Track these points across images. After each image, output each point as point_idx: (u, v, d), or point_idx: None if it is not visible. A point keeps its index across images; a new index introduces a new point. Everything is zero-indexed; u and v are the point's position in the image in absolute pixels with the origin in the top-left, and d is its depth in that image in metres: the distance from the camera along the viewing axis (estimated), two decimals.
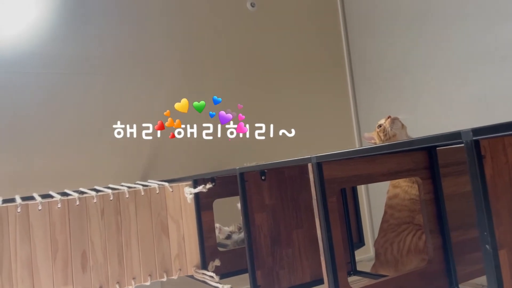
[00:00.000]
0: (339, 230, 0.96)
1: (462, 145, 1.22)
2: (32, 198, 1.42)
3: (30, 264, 1.30)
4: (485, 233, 0.64)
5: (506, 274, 0.66)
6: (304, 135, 2.45)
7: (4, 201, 1.37)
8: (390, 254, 1.26)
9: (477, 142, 0.66)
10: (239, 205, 1.81)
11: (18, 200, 1.35)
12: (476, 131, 0.65)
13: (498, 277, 0.65)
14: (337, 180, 0.99)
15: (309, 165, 0.99)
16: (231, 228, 1.86)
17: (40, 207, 1.33)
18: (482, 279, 1.29)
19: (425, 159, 1.13)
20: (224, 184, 1.60)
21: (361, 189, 2.48)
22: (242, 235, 1.80)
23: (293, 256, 1.32)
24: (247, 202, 1.28)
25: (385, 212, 1.32)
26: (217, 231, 1.70)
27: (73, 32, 1.98)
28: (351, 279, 1.38)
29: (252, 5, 2.41)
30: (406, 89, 2.31)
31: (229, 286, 1.36)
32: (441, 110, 2.12)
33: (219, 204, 1.70)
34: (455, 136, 0.68)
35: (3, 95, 1.81)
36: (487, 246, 0.64)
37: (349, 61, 2.64)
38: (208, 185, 1.50)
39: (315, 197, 0.98)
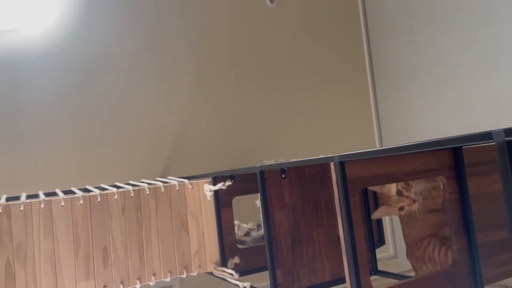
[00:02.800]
0: (361, 230, 0.94)
1: (490, 143, 1.19)
2: (55, 194, 1.45)
3: (53, 259, 1.32)
4: None
5: None
6: (324, 133, 2.43)
7: (28, 197, 1.39)
8: (427, 269, 1.22)
9: (509, 143, 0.63)
10: (257, 202, 1.81)
11: (42, 196, 1.37)
12: (508, 131, 0.63)
13: None
14: (360, 180, 0.98)
15: (332, 164, 0.98)
16: (250, 225, 1.86)
17: (63, 203, 1.35)
18: (507, 281, 1.26)
19: (450, 158, 1.11)
20: (244, 181, 1.60)
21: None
22: (261, 232, 1.80)
23: (313, 255, 1.31)
24: (267, 200, 1.27)
25: (402, 228, 1.28)
26: (236, 228, 1.70)
27: (94, 30, 2.00)
28: (372, 278, 1.36)
29: (272, 1, 2.40)
30: (428, 87, 2.26)
31: (248, 284, 1.36)
32: (465, 108, 2.07)
33: (238, 201, 1.69)
34: (486, 136, 0.66)
35: (27, 92, 1.84)
36: None
37: (370, 59, 2.60)
38: (228, 183, 1.50)
39: (337, 197, 0.97)
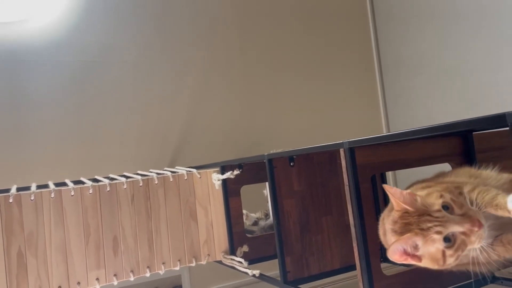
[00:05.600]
0: (371, 217, 0.94)
1: (499, 129, 1.18)
2: (64, 184, 1.45)
3: (64, 248, 1.34)
4: None
5: None
6: (331, 123, 2.42)
7: (38, 187, 1.40)
8: None
9: None
10: (265, 191, 1.82)
11: (52, 186, 1.39)
12: None
13: None
14: (370, 166, 0.97)
15: (341, 151, 0.98)
16: (258, 215, 1.86)
17: (72, 193, 1.36)
18: None
19: (460, 144, 1.10)
20: (252, 170, 1.60)
21: (389, 175, 2.44)
22: (269, 221, 1.80)
23: (322, 242, 1.31)
24: (275, 188, 1.27)
25: None
26: (244, 218, 1.70)
27: (101, 21, 2.00)
28: (382, 266, 1.36)
29: None
30: (435, 76, 2.24)
31: (258, 271, 1.37)
32: (472, 97, 2.05)
33: (246, 191, 1.70)
34: (499, 119, 0.65)
35: (36, 84, 1.85)
36: None
37: (377, 48, 2.57)
38: (236, 172, 1.50)
39: (347, 183, 0.96)
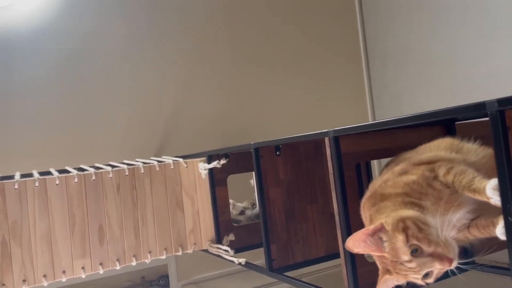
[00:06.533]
0: (356, 204, 0.95)
1: (481, 119, 1.20)
2: (49, 173, 1.44)
3: (49, 237, 1.33)
4: (508, 205, 0.63)
5: None
6: (318, 114, 2.44)
7: (22, 176, 1.39)
8: None
9: (502, 113, 0.64)
10: (252, 181, 1.82)
11: (36, 175, 1.37)
12: (502, 101, 0.64)
13: None
14: (355, 154, 0.99)
15: (326, 139, 0.99)
16: (245, 204, 1.87)
17: (57, 182, 1.35)
18: (496, 256, 1.28)
19: (443, 133, 1.12)
20: (238, 160, 1.61)
21: (374, 164, 2.46)
22: (255, 211, 1.81)
23: (307, 231, 1.32)
24: (262, 177, 1.28)
25: None
26: (230, 207, 1.71)
27: (88, 8, 1.96)
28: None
29: None
30: (421, 67, 2.26)
31: (243, 259, 1.38)
32: (458, 88, 2.08)
33: (233, 181, 1.70)
34: (480, 107, 0.66)
35: (18, 70, 1.81)
36: (509, 218, 0.63)
37: (364, 40, 2.59)
38: (222, 161, 1.50)
39: (331, 171, 0.97)
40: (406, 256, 0.70)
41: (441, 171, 0.76)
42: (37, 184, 1.32)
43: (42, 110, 1.84)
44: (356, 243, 0.74)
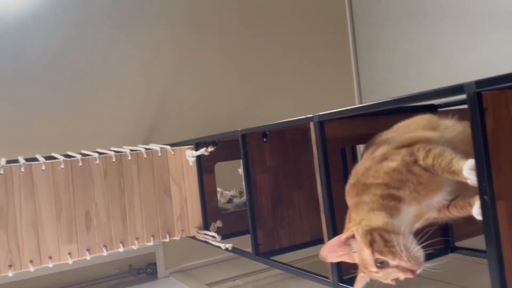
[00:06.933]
0: (340, 188, 0.97)
1: (462, 107, 1.22)
2: (35, 159, 1.43)
3: (35, 222, 1.33)
4: (484, 184, 0.65)
5: (504, 225, 0.67)
6: (306, 101, 2.45)
7: (8, 161, 1.38)
8: None
9: (479, 95, 0.66)
10: (240, 170, 1.83)
11: (22, 161, 1.36)
12: (479, 83, 0.65)
13: (495, 228, 0.66)
14: (339, 139, 1.00)
15: (311, 124, 1.00)
16: (233, 192, 1.88)
17: (43, 167, 1.35)
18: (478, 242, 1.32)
19: None
20: (226, 147, 1.62)
21: (360, 148, 2.49)
22: (243, 199, 1.83)
23: (293, 216, 1.34)
24: (249, 163, 1.29)
25: None
26: (218, 195, 1.72)
27: None
28: None
29: None
30: (409, 56, 2.29)
31: (230, 245, 1.39)
32: (446, 78, 2.11)
33: (220, 169, 1.71)
34: (458, 88, 0.68)
35: (4, 58, 1.79)
36: (485, 197, 0.65)
37: (352, 27, 2.60)
38: (210, 148, 1.51)
39: (316, 156, 0.99)
40: (372, 268, 0.74)
41: (420, 155, 0.78)
42: (23, 169, 1.32)
43: (27, 97, 1.82)
44: (329, 253, 0.78)
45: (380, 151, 0.85)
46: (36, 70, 1.85)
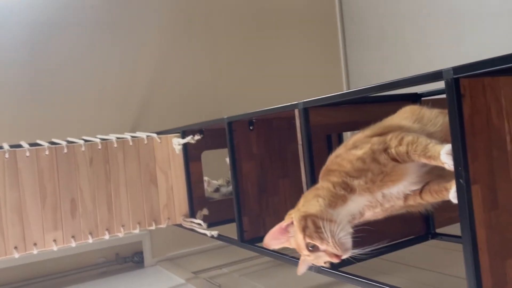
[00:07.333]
0: None
1: (444, 96, 1.24)
2: (19, 146, 1.42)
3: (19, 209, 1.32)
4: (460, 168, 0.67)
5: (478, 208, 0.69)
6: (294, 91, 2.45)
7: None
8: None
9: (457, 81, 0.67)
10: (227, 159, 1.84)
11: (6, 147, 1.35)
12: (457, 69, 0.66)
13: (470, 211, 0.68)
14: (324, 126, 1.01)
15: (296, 111, 1.01)
16: (220, 182, 1.89)
17: (28, 154, 1.34)
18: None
19: None
20: (213, 136, 1.62)
21: (348, 136, 2.51)
22: (230, 188, 1.83)
23: (279, 203, 1.35)
24: (235, 151, 1.30)
25: None
26: (205, 184, 1.73)
27: None
28: None
29: None
30: (397, 48, 2.30)
31: (216, 232, 1.41)
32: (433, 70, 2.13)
33: (208, 158, 1.72)
34: (438, 75, 0.69)
35: None
36: (460, 181, 0.67)
37: (341, 18, 2.61)
38: (197, 137, 1.51)
39: (300, 143, 1.00)
40: (305, 251, 0.79)
41: (392, 143, 0.79)
42: (7, 155, 1.31)
43: (11, 83, 1.80)
44: (272, 241, 0.83)
45: (353, 139, 0.87)
46: (20, 56, 1.83)
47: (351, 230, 0.80)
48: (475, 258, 0.67)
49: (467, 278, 0.68)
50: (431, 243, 1.18)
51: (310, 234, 0.76)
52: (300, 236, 0.78)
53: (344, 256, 0.77)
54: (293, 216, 0.81)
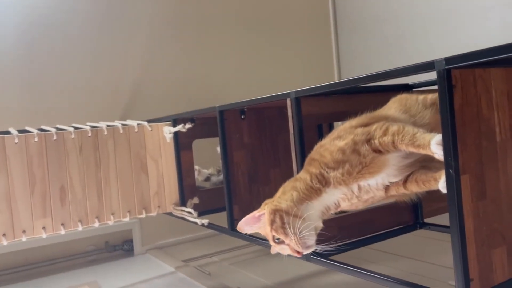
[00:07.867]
0: None
1: (435, 87, 1.25)
2: (8, 132, 1.40)
3: (8, 196, 1.31)
4: (449, 158, 0.67)
5: (467, 198, 0.70)
6: (286, 80, 2.45)
7: None
8: None
9: (448, 72, 0.67)
10: (218, 148, 1.84)
11: None
12: (449, 60, 0.67)
13: (458, 201, 0.69)
14: (316, 116, 1.01)
15: (288, 100, 1.01)
16: (210, 171, 1.89)
17: (16, 140, 1.32)
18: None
19: None
20: (204, 125, 1.61)
21: (338, 125, 2.52)
22: (221, 177, 1.83)
23: (269, 193, 1.35)
24: (226, 139, 1.30)
25: None
26: (196, 173, 1.73)
27: None
28: None
29: None
30: (389, 39, 2.31)
31: (206, 220, 1.41)
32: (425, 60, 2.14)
33: (199, 147, 1.71)
34: (429, 65, 0.69)
35: None
36: (450, 171, 0.68)
37: (334, 8, 2.60)
38: (188, 125, 1.51)
39: (292, 132, 1.00)
40: (272, 242, 0.85)
41: (377, 134, 0.79)
42: None
43: (2, 71, 1.77)
44: (245, 226, 0.89)
45: (339, 129, 0.87)
46: (10, 44, 1.80)
47: (321, 225, 0.84)
48: (463, 248, 0.68)
49: (455, 267, 0.69)
50: (419, 233, 1.20)
51: (276, 228, 0.81)
52: (268, 228, 0.83)
53: (305, 252, 0.82)
54: (265, 208, 0.85)
